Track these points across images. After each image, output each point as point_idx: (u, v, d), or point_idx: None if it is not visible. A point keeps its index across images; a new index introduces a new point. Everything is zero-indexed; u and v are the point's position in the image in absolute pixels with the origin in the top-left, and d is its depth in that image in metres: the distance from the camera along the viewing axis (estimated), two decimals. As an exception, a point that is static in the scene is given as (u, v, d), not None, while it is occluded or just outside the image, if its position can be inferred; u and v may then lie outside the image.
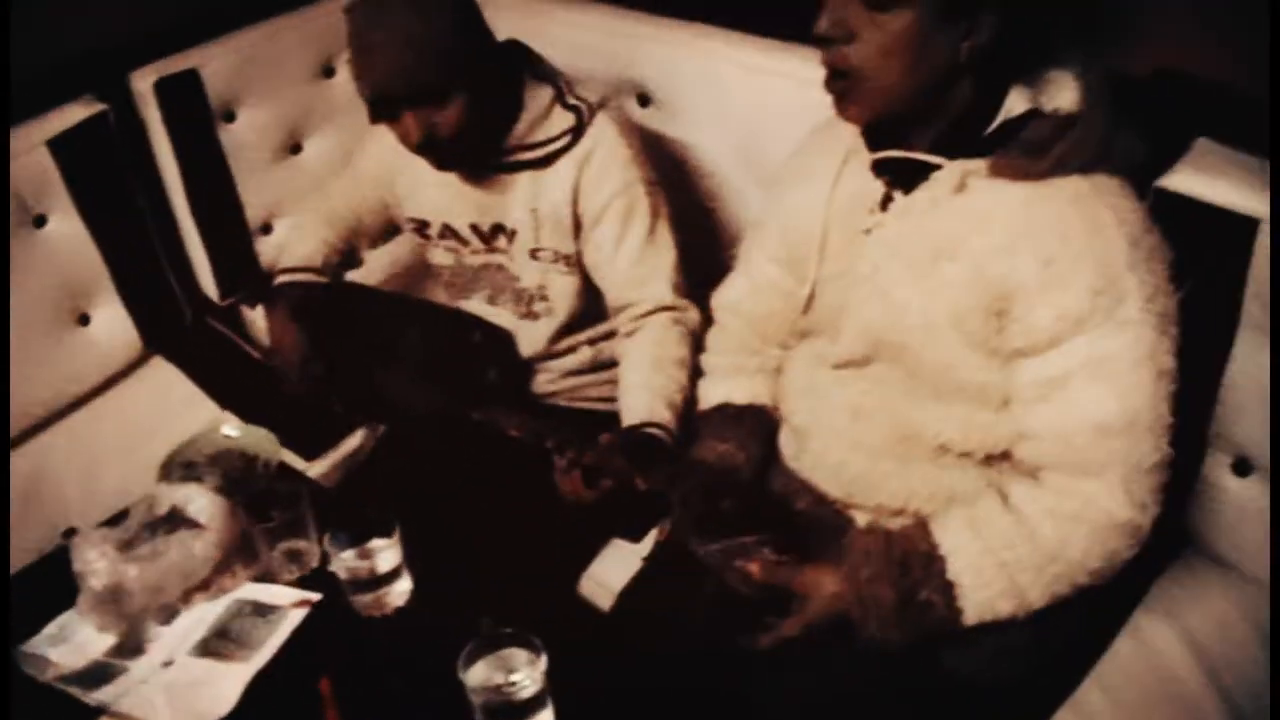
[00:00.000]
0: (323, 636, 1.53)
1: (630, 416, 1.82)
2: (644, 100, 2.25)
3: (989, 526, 1.44)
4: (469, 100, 1.75)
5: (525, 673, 1.31)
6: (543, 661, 1.31)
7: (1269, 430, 1.57)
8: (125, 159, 2.30)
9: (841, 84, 1.42)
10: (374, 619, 1.54)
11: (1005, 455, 1.51)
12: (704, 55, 2.12)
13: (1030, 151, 1.39)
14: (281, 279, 2.10)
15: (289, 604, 1.57)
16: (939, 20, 1.33)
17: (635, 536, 1.93)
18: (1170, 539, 1.70)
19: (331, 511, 1.61)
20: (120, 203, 2.31)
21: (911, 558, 1.45)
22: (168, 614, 1.56)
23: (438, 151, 1.81)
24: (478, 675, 1.32)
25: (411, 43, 1.68)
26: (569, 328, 2.04)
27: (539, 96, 1.87)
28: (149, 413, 2.31)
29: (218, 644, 1.53)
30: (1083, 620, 1.52)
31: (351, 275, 2.25)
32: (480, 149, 1.87)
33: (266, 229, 2.55)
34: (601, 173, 1.87)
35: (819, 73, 1.44)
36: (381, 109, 1.77)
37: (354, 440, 2.24)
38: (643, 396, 1.83)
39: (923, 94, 1.40)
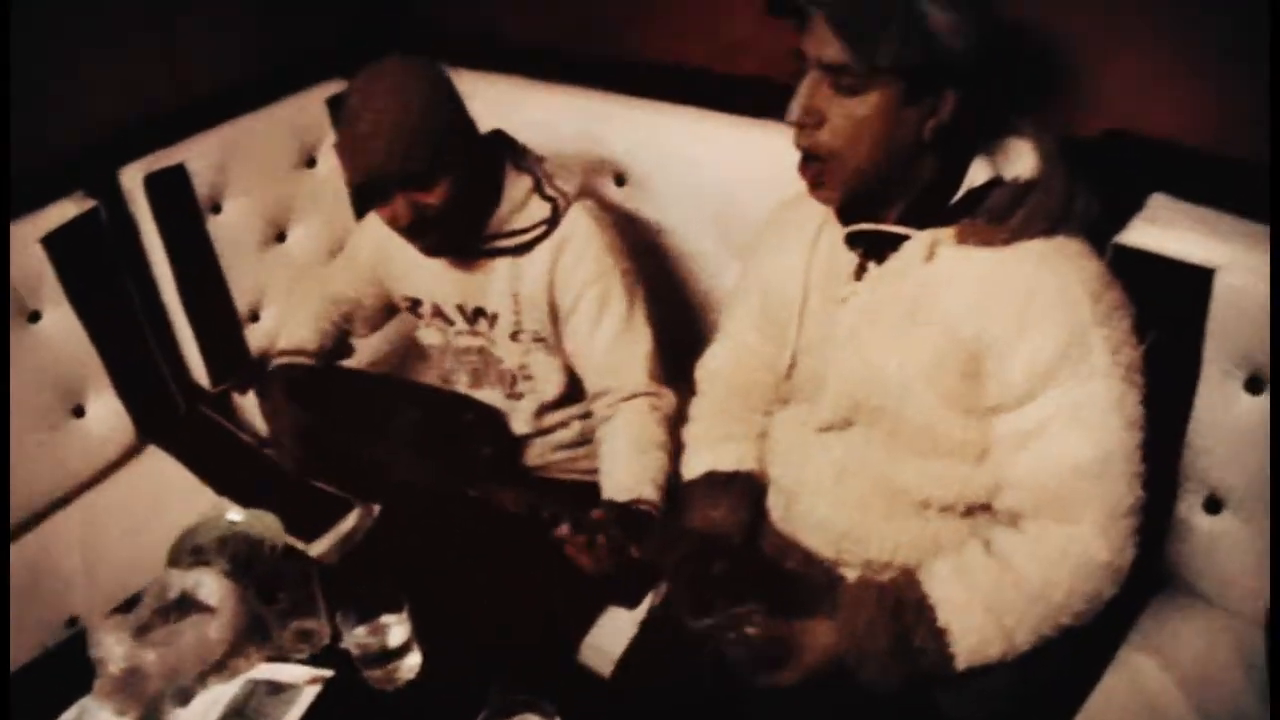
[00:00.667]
0: (337, 712, 1.56)
1: (618, 496, 1.85)
2: (620, 179, 2.30)
3: (975, 574, 1.50)
4: (454, 182, 1.80)
5: (539, 736, 1.36)
6: (555, 724, 1.36)
7: (1241, 466, 1.64)
8: (116, 253, 2.34)
9: (815, 167, 1.50)
10: (386, 692, 1.57)
11: (986, 506, 1.57)
12: (675, 133, 2.18)
13: (994, 219, 1.46)
14: (276, 362, 2.14)
15: (303, 681, 1.60)
16: (905, 102, 1.41)
17: (630, 603, 1.97)
18: (1150, 577, 1.76)
19: (340, 590, 1.64)
20: (112, 296, 2.35)
21: (903, 607, 1.50)
22: (184, 696, 1.59)
23: (425, 234, 1.86)
24: (494, 740, 1.37)
25: (399, 129, 1.73)
26: (555, 404, 2.08)
27: (518, 186, 1.92)
28: (146, 501, 2.33)
29: (235, 722, 1.56)
30: (1070, 659, 1.58)
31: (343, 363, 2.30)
32: (464, 233, 1.92)
33: (255, 317, 2.59)
34: (575, 262, 1.92)
35: (787, 145, 1.51)
36: (372, 192, 1.82)
37: (349, 521, 2.26)
38: (627, 478, 1.87)
39: (892, 172, 1.47)
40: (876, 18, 1.38)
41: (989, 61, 1.43)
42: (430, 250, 1.92)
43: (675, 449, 1.93)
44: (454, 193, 1.80)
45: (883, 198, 1.53)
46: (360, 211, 2.56)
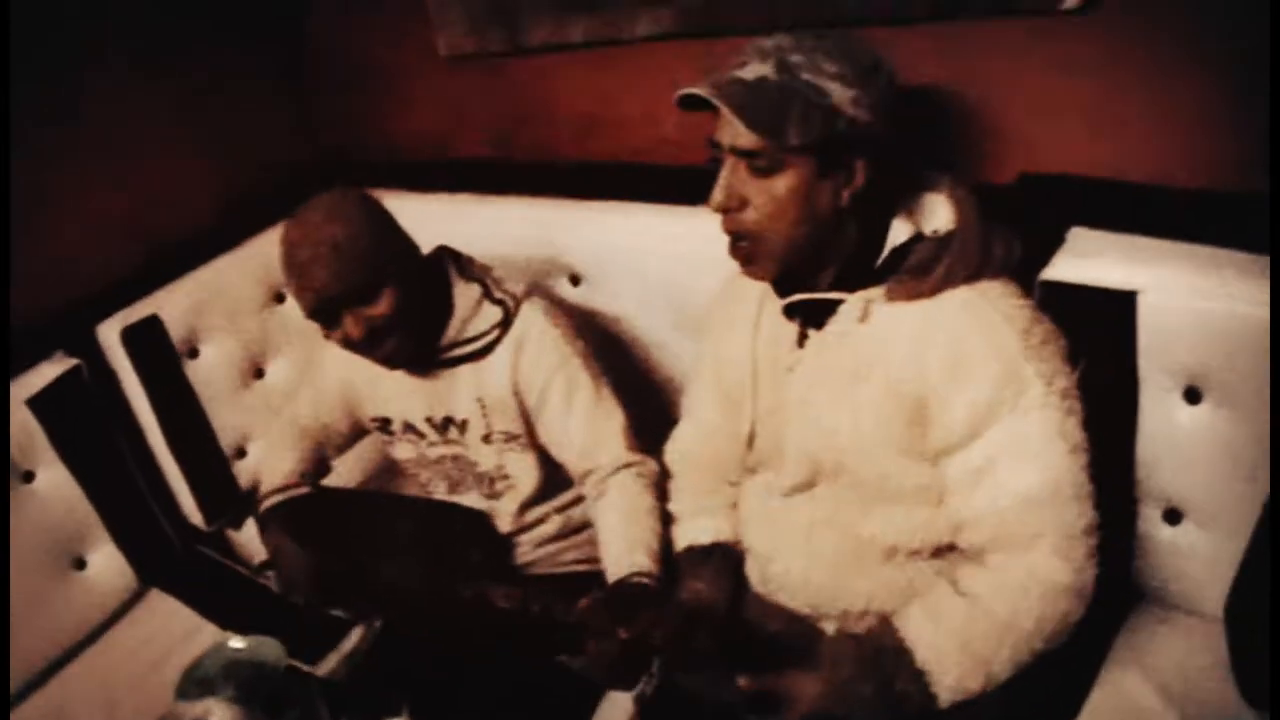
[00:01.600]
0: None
1: (615, 571, 1.90)
2: (575, 280, 2.37)
3: (946, 613, 1.55)
4: (398, 292, 1.87)
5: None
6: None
7: (1191, 475, 1.70)
8: (101, 406, 2.40)
9: (744, 247, 1.59)
10: (398, 792, 1.61)
11: (951, 546, 1.63)
12: (621, 228, 2.25)
13: (918, 273, 1.55)
14: (267, 503, 2.17)
15: (316, 793, 1.64)
16: (819, 175, 1.50)
17: (628, 685, 2.00)
18: (1123, 594, 1.81)
19: (342, 700, 1.69)
20: (102, 448, 2.40)
21: (882, 654, 1.55)
22: (205, 823, 1.62)
23: (378, 346, 1.92)
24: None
25: (337, 249, 1.81)
26: (534, 500, 2.14)
27: (467, 295, 1.99)
28: (154, 643, 2.35)
29: (257, 843, 1.58)
30: (1054, 684, 1.62)
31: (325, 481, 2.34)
32: (418, 342, 1.98)
33: (241, 453, 2.64)
34: (536, 357, 1.99)
35: (725, 225, 1.60)
36: (322, 316, 1.89)
37: (352, 639, 2.29)
38: (622, 550, 1.92)
39: (817, 241, 1.56)
40: (780, 104, 1.47)
41: (896, 126, 1.52)
42: (388, 361, 1.98)
43: (665, 512, 1.98)
44: (400, 302, 1.88)
45: (813, 267, 1.61)
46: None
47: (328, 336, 1.94)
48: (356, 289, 1.85)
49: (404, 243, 1.96)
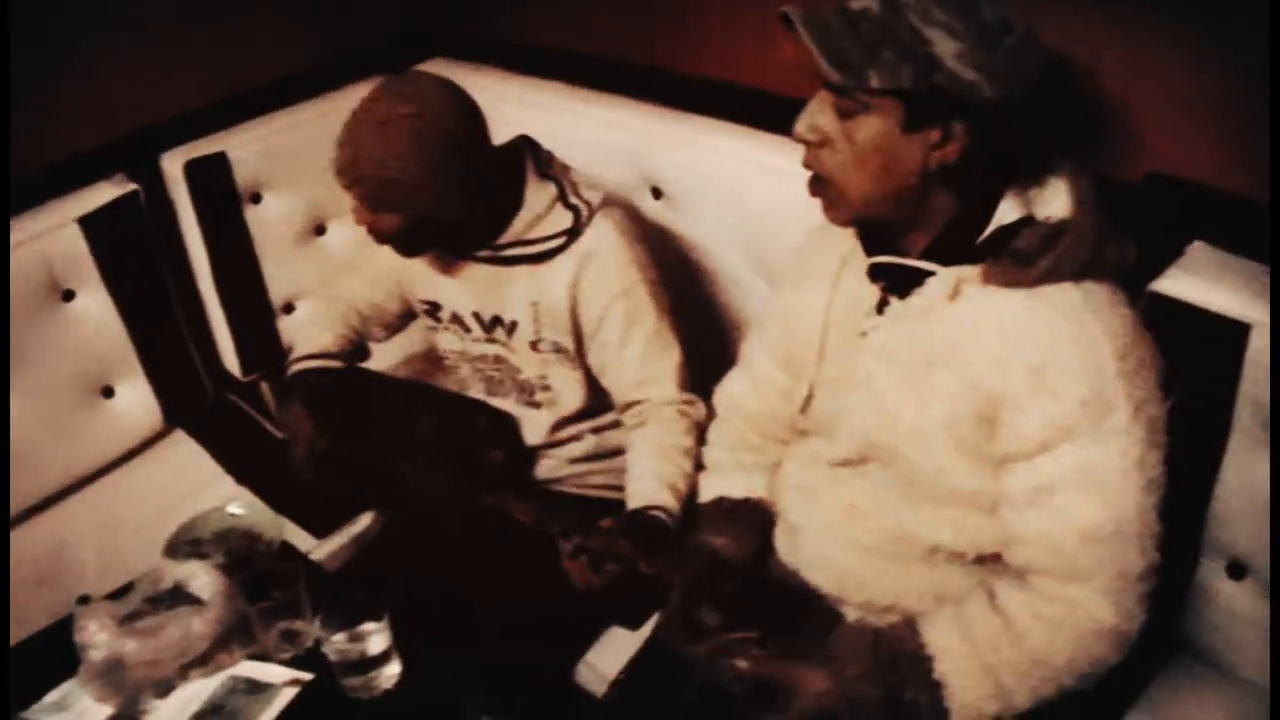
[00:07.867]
0: (312, 716, 1.56)
1: (635, 501, 1.84)
2: (657, 193, 2.26)
3: (976, 627, 1.46)
4: (405, 222, 1.83)
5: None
6: (523, 749, 1.34)
7: (1266, 533, 1.57)
8: (154, 237, 2.37)
9: (819, 188, 1.47)
10: (363, 701, 1.56)
11: (996, 556, 1.52)
12: (713, 151, 2.13)
13: (1021, 260, 1.41)
14: (296, 366, 2.13)
15: (281, 683, 1.59)
16: (906, 129, 1.37)
17: (633, 625, 1.94)
18: (1165, 642, 1.71)
19: (326, 593, 1.63)
20: (147, 279, 2.38)
21: (899, 657, 1.47)
22: (164, 688, 1.59)
23: (382, 242, 1.90)
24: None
25: (367, 152, 1.76)
26: (572, 418, 2.07)
27: (541, 195, 1.90)
28: (168, 486, 2.35)
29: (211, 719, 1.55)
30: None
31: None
32: (455, 246, 1.93)
33: (289, 308, 2.61)
34: (601, 276, 1.90)
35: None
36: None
37: (362, 521, 2.25)
38: (647, 482, 1.86)
39: (896, 202, 1.44)
40: (873, 42, 1.34)
41: (1018, 95, 1.37)
42: (403, 254, 1.95)
43: (699, 459, 1.91)
44: (406, 226, 1.83)
45: (903, 228, 1.49)
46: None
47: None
48: (363, 191, 1.80)
49: (463, 168, 1.82)
